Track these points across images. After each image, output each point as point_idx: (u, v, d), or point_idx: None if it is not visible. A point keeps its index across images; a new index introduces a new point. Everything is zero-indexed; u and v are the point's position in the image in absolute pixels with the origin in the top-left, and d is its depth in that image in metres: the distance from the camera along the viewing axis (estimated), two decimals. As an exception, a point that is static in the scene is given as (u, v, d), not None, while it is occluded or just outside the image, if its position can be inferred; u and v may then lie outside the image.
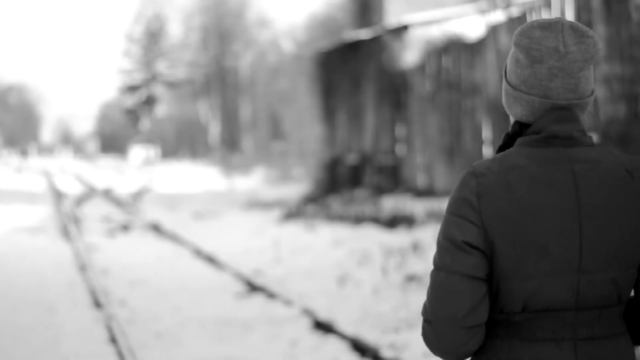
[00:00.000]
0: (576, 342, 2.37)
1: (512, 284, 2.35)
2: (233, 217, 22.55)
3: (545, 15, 13.39)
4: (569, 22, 2.40)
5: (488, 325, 2.40)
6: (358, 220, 17.83)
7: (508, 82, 2.45)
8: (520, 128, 2.44)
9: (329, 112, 27.64)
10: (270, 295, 11.44)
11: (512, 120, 2.47)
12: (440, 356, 2.40)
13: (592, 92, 2.43)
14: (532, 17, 13.60)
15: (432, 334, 2.37)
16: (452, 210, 2.37)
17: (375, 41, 23.94)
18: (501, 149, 2.47)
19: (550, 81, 2.37)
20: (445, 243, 2.36)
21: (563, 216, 2.34)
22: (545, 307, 2.36)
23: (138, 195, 32.73)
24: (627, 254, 2.37)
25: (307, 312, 10.17)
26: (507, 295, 2.36)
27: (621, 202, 2.36)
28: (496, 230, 2.33)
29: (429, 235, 14.25)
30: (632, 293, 2.48)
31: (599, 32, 12.45)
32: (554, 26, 2.38)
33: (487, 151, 17.52)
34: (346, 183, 24.86)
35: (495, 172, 2.36)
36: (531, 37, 2.39)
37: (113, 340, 8.98)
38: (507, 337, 2.38)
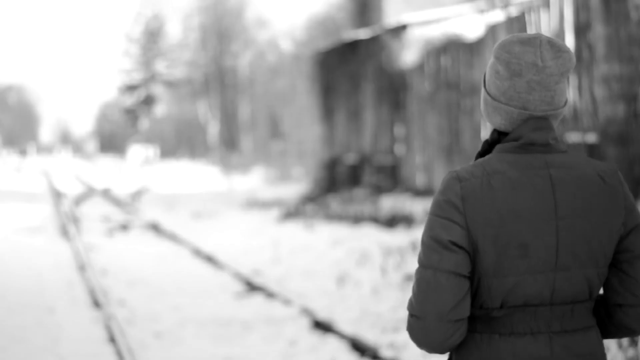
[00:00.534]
0: (551, 335, 2.52)
1: (492, 281, 2.49)
2: (232, 217, 22.55)
3: (544, 14, 13.39)
4: (547, 37, 2.55)
5: (468, 320, 2.55)
6: (357, 219, 17.83)
7: (488, 93, 2.60)
8: (499, 136, 2.60)
9: (328, 112, 27.64)
10: (270, 294, 11.44)
11: (489, 127, 2.55)
12: (426, 349, 2.53)
13: (566, 103, 2.58)
14: (531, 17, 13.60)
15: (419, 328, 2.50)
16: (437, 212, 2.52)
17: (374, 41, 23.93)
18: (480, 155, 2.63)
19: (528, 94, 2.53)
20: (432, 243, 2.50)
21: (541, 218, 2.49)
22: (522, 303, 2.50)
23: (137, 195, 32.73)
24: (599, 253, 2.52)
25: (306, 311, 10.18)
26: (487, 292, 2.50)
27: (594, 204, 2.52)
28: (479, 231, 2.48)
29: (428, 235, 14.23)
30: (602, 290, 2.63)
31: (598, 32, 12.45)
32: (532, 41, 2.53)
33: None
34: (345, 183, 24.87)
35: (478, 177, 2.51)
36: (511, 51, 2.54)
37: (112, 340, 8.98)
38: (486, 332, 2.53)
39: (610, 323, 2.64)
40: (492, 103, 2.58)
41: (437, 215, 2.52)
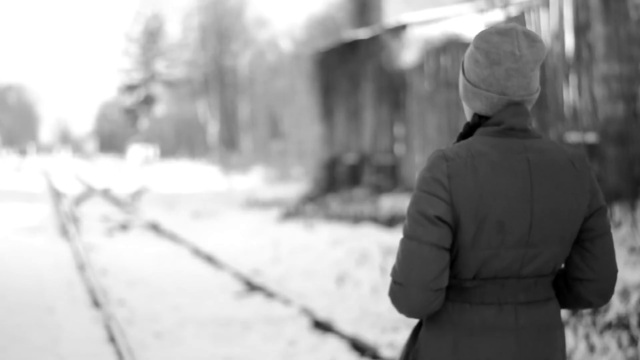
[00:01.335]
0: (516, 305, 2.73)
1: (469, 254, 2.69)
2: (232, 217, 22.55)
3: (543, 13, 13.38)
4: (522, 28, 2.75)
5: None
6: (357, 219, 17.83)
7: (467, 80, 2.79)
8: (480, 119, 2.79)
9: (327, 112, 27.63)
10: (269, 294, 11.44)
11: (467, 111, 2.83)
12: (406, 314, 2.73)
13: (538, 89, 2.79)
14: (531, 16, 13.59)
15: (402, 295, 2.70)
16: (424, 188, 2.70)
17: (374, 41, 23.93)
18: (462, 136, 2.82)
19: (507, 80, 2.72)
20: (418, 216, 2.68)
21: (518, 198, 2.69)
22: (493, 275, 2.71)
23: (137, 195, 32.72)
24: (566, 232, 2.75)
25: (306, 311, 10.18)
26: (463, 263, 2.71)
27: (565, 186, 2.73)
28: (462, 207, 2.66)
29: (427, 235, 14.23)
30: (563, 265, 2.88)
31: (598, 31, 12.44)
32: (509, 32, 2.73)
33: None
34: (345, 182, 24.85)
35: (463, 157, 2.69)
36: (490, 41, 2.73)
37: (112, 340, 8.98)
38: (458, 301, 2.74)
39: (569, 295, 2.87)
40: (472, 89, 2.76)
41: (423, 191, 2.69)
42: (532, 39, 2.73)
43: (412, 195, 2.73)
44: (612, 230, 10.82)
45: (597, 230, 2.80)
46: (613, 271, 2.83)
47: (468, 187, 2.66)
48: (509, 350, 2.72)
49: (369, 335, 8.93)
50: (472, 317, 2.72)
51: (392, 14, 26.40)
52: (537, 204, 2.70)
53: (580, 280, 2.82)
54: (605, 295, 2.84)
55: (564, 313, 8.36)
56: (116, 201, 29.54)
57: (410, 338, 2.86)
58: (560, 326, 2.82)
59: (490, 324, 2.72)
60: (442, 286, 2.68)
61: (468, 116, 2.85)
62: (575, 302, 2.88)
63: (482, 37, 2.75)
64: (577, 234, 2.78)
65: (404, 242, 2.71)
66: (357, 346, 8.48)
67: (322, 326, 9.44)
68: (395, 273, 2.71)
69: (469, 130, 2.82)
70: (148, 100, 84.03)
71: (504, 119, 2.72)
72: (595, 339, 7.69)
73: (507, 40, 2.72)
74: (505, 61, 2.71)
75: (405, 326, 9.28)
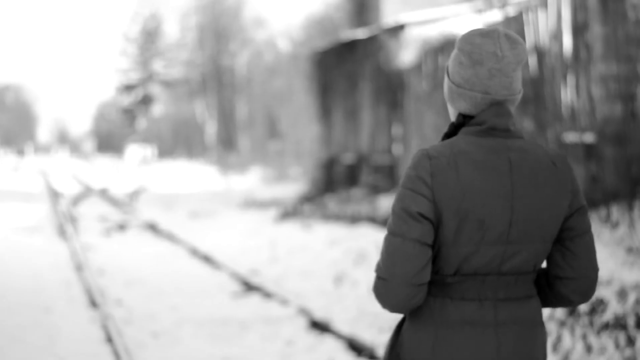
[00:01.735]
0: (496, 302, 2.79)
1: (450, 250, 2.76)
2: (229, 217, 22.54)
3: (541, 14, 13.38)
4: (504, 30, 2.83)
5: None
6: (354, 219, 17.83)
7: (452, 81, 2.86)
8: (464, 119, 2.86)
9: (325, 112, 27.63)
10: (267, 294, 11.44)
11: (452, 112, 2.89)
12: (389, 308, 2.79)
13: (521, 91, 2.86)
14: (529, 17, 13.59)
15: (385, 290, 2.76)
16: (408, 186, 2.76)
17: (372, 40, 23.92)
18: (447, 136, 2.89)
19: (489, 80, 2.79)
20: (402, 213, 2.75)
21: (499, 196, 2.75)
22: (473, 272, 2.77)
23: (134, 195, 32.72)
24: (546, 230, 2.80)
25: (304, 311, 10.17)
26: (444, 259, 2.77)
27: (546, 186, 2.79)
28: (444, 204, 2.73)
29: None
30: (545, 264, 2.93)
31: (596, 31, 12.44)
32: (491, 34, 2.82)
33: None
34: (342, 182, 24.85)
35: (446, 156, 2.75)
36: (473, 43, 2.81)
37: (109, 340, 8.97)
38: (439, 296, 2.80)
39: (550, 293, 2.92)
40: (457, 90, 2.84)
41: (407, 188, 2.76)
42: (514, 41, 2.82)
43: (397, 193, 2.80)
44: (610, 230, 10.82)
45: (578, 229, 2.86)
46: (593, 270, 2.88)
47: (450, 185, 2.73)
48: (488, 345, 2.78)
49: (366, 336, 8.93)
50: (452, 312, 2.78)
51: (390, 14, 26.40)
52: (518, 202, 2.76)
53: (560, 278, 2.88)
54: (585, 294, 2.90)
55: (561, 313, 8.36)
56: (114, 201, 29.53)
57: (394, 332, 2.92)
58: (540, 323, 2.86)
59: (470, 319, 2.78)
60: (424, 281, 2.75)
61: (453, 117, 2.92)
62: (556, 300, 2.94)
63: (465, 39, 2.84)
64: (557, 232, 2.84)
65: (388, 239, 2.77)
66: (355, 346, 8.47)
67: (320, 326, 9.44)
68: (379, 269, 2.78)
69: (453, 130, 2.89)
70: (146, 100, 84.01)
71: (487, 119, 2.80)
72: (593, 339, 7.69)
73: (489, 42, 2.80)
74: (487, 61, 2.79)
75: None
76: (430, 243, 2.75)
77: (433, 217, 2.74)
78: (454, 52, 2.87)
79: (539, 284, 2.94)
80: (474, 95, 2.81)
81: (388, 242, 2.77)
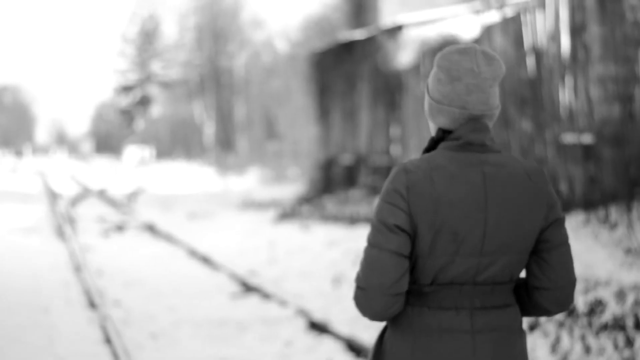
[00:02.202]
0: (472, 310, 2.87)
1: (426, 261, 2.83)
2: (228, 218, 22.54)
3: (539, 14, 13.39)
4: (480, 48, 2.92)
5: None
6: (353, 220, 17.83)
7: (431, 98, 2.95)
8: (443, 134, 2.95)
9: (323, 113, 27.63)
10: (265, 295, 11.44)
11: (432, 127, 2.98)
12: (369, 317, 2.88)
13: (498, 106, 2.94)
14: (527, 17, 13.60)
15: (364, 299, 2.85)
16: (386, 199, 2.85)
17: (370, 41, 23.93)
18: (427, 150, 2.98)
19: (467, 95, 2.88)
20: (379, 225, 2.83)
21: (473, 208, 2.83)
22: (449, 281, 2.85)
23: (133, 196, 32.72)
24: (521, 242, 2.87)
25: (302, 312, 10.18)
26: (421, 270, 2.85)
27: (520, 199, 2.86)
28: (419, 217, 2.81)
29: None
30: (524, 274, 3.01)
31: (594, 32, 12.45)
32: (468, 51, 2.91)
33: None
34: (341, 183, 24.86)
35: (423, 170, 2.84)
36: (451, 60, 2.91)
37: (108, 340, 8.97)
38: (417, 305, 2.88)
39: (529, 303, 2.99)
40: (436, 106, 2.93)
41: (385, 201, 2.85)
42: (490, 58, 2.90)
43: (376, 205, 2.88)
44: (609, 231, 10.83)
45: (554, 241, 2.92)
46: (570, 281, 2.94)
47: (425, 198, 2.81)
48: (464, 352, 2.86)
49: (364, 336, 8.93)
50: (430, 320, 2.87)
51: (388, 14, 26.41)
52: (491, 214, 2.83)
53: (537, 288, 2.95)
54: (562, 304, 2.97)
55: (561, 315, 8.37)
56: (112, 202, 29.53)
57: (377, 340, 3.00)
58: (518, 331, 2.93)
59: (447, 327, 2.86)
60: (401, 291, 2.83)
61: (433, 132, 3.00)
62: (534, 310, 3.01)
63: (443, 56, 2.93)
64: (533, 244, 2.90)
65: (366, 250, 2.86)
66: (353, 347, 8.48)
67: (318, 327, 9.44)
68: (358, 278, 2.86)
69: (433, 145, 2.97)
70: (144, 101, 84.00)
71: (463, 134, 2.88)
72: (591, 340, 7.69)
73: (466, 59, 2.89)
74: (465, 77, 2.88)
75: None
76: (407, 254, 2.83)
77: (409, 229, 2.82)
78: (433, 69, 2.97)
79: (518, 293, 3.01)
80: (452, 111, 2.89)
81: (366, 253, 2.85)
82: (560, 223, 2.93)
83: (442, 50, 2.96)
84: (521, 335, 2.95)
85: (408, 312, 2.89)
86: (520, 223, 2.86)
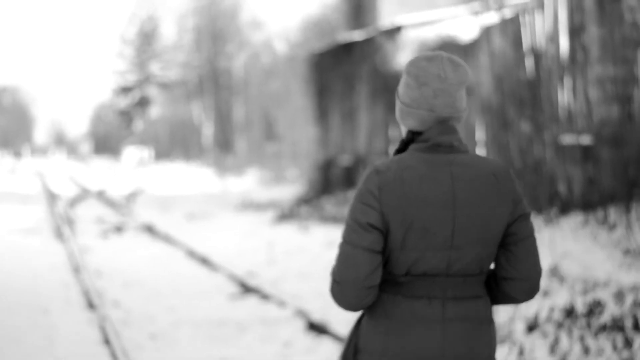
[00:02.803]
0: (444, 300, 3.06)
1: (399, 255, 3.03)
2: (227, 219, 22.54)
3: (538, 16, 13.41)
4: (447, 54, 3.11)
5: (380, 283, 3.08)
6: (352, 221, 17.80)
7: (401, 102, 3.14)
8: (413, 136, 3.13)
9: (322, 113, 27.64)
10: (264, 296, 11.44)
11: (403, 130, 3.16)
12: (344, 308, 3.08)
13: (465, 109, 3.12)
14: (525, 19, 13.62)
15: (339, 291, 3.06)
16: (359, 199, 3.04)
17: (369, 42, 23.94)
18: (397, 152, 3.16)
19: (434, 99, 3.07)
20: (353, 223, 3.03)
21: (441, 206, 3.02)
22: (422, 273, 3.04)
23: (131, 197, 32.72)
24: (488, 236, 3.06)
25: (301, 313, 10.18)
26: (395, 262, 3.04)
27: (486, 196, 3.05)
28: (391, 215, 3.00)
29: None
30: (493, 266, 3.18)
31: (592, 33, 12.46)
32: (435, 58, 3.10)
33: (481, 152, 17.52)
34: (340, 184, 24.86)
35: (393, 171, 3.03)
36: (419, 66, 3.10)
37: (107, 341, 8.98)
38: (392, 293, 3.07)
39: (498, 293, 3.18)
40: (406, 110, 3.12)
41: (359, 201, 3.03)
42: (456, 64, 3.10)
43: (350, 205, 3.07)
44: (607, 232, 10.84)
45: (520, 234, 3.11)
46: (535, 271, 3.14)
47: (396, 197, 3.00)
48: (435, 339, 3.04)
49: (364, 337, 8.93)
50: (403, 308, 3.06)
51: (387, 15, 26.42)
52: (459, 211, 3.02)
53: (505, 279, 3.14)
54: (529, 293, 3.16)
55: (559, 315, 8.38)
56: (111, 203, 29.52)
57: (354, 326, 3.18)
58: (488, 321, 3.11)
59: (419, 315, 3.05)
60: (374, 284, 3.03)
61: (403, 134, 3.18)
62: (503, 299, 3.20)
63: (412, 63, 3.12)
64: (500, 237, 3.09)
65: (341, 246, 3.06)
66: (352, 348, 8.47)
67: (317, 328, 9.45)
68: (334, 273, 3.07)
69: (403, 147, 3.16)
70: (143, 102, 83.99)
71: (431, 137, 3.07)
72: (590, 341, 7.70)
73: (433, 65, 3.08)
74: (432, 82, 3.07)
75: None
76: (379, 250, 3.02)
77: (382, 227, 3.01)
78: (403, 76, 3.14)
79: (488, 283, 3.20)
80: (420, 113, 3.08)
81: (341, 249, 3.05)
82: (525, 217, 3.11)
83: (411, 59, 3.14)
84: (490, 325, 3.13)
85: (383, 299, 3.08)
86: (487, 219, 3.04)
